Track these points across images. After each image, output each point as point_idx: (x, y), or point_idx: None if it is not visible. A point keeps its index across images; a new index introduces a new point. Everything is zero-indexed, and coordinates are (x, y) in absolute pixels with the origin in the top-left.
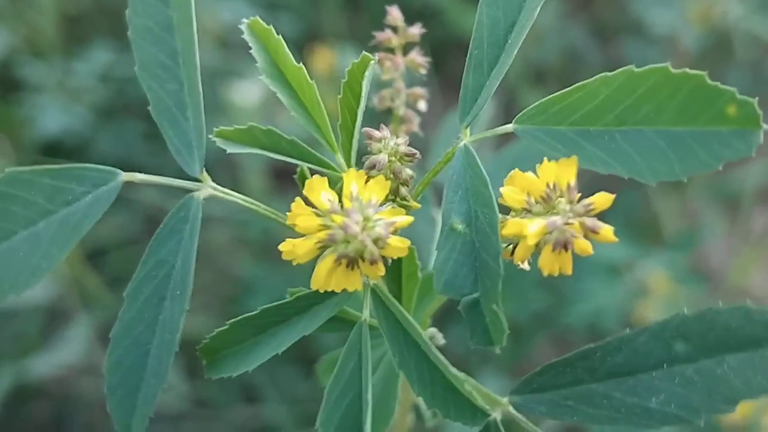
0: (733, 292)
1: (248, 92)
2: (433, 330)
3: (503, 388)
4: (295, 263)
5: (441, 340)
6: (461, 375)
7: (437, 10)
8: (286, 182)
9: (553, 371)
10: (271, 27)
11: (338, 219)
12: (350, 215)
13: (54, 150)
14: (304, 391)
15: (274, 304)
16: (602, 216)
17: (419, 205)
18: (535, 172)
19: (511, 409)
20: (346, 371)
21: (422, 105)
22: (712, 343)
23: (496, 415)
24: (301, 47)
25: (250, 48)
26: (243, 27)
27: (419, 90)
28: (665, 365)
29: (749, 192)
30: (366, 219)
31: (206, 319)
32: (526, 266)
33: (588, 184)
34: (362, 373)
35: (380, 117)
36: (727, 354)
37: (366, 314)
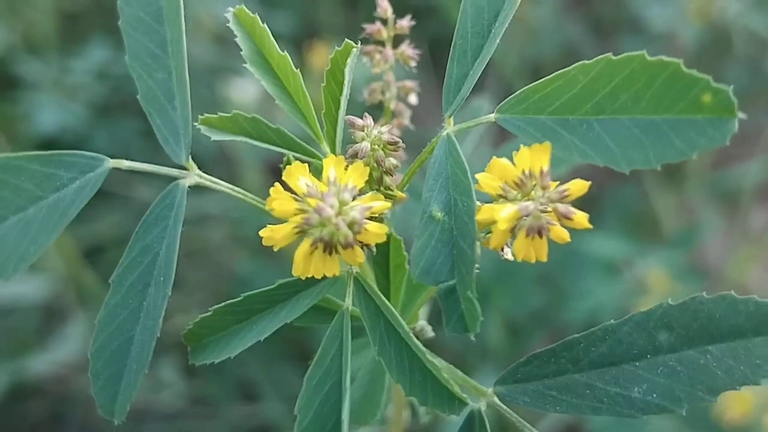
0: (731, 289)
1: (245, 89)
2: (422, 323)
3: None
4: (276, 249)
5: (430, 332)
6: (443, 364)
7: (434, 7)
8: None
9: (538, 361)
10: (257, 15)
11: (313, 202)
12: (325, 199)
13: (50, 147)
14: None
15: (257, 291)
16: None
17: (404, 195)
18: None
19: (495, 399)
20: (326, 358)
21: (413, 98)
22: (695, 333)
23: (481, 405)
24: (298, 44)
25: (235, 37)
26: (229, 15)
27: (410, 83)
28: (648, 355)
29: (748, 189)
30: (342, 203)
31: None
32: (509, 255)
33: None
34: (342, 360)
35: (372, 112)
36: (711, 344)
37: (348, 302)
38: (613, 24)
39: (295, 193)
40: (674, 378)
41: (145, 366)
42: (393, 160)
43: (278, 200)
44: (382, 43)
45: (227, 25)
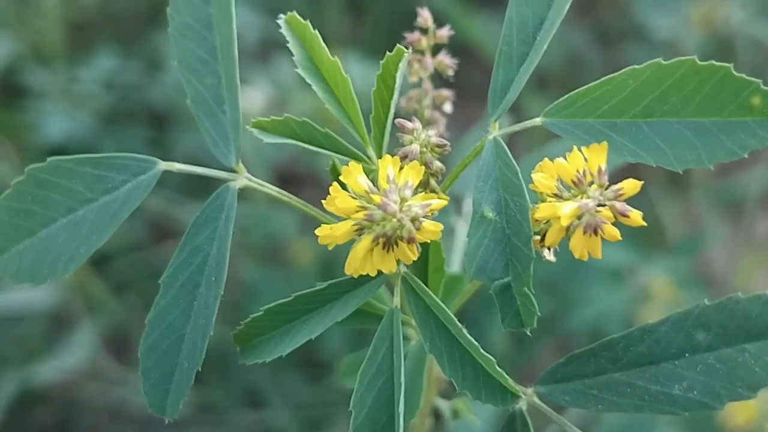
0: None
1: (252, 98)
2: None
3: None
4: (331, 247)
5: None
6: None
7: (441, 16)
8: (290, 187)
9: (577, 362)
10: (308, 22)
11: (377, 199)
12: (388, 195)
13: (58, 155)
14: (308, 396)
15: (307, 291)
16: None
17: (448, 198)
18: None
19: (535, 398)
20: (378, 355)
21: (448, 107)
22: (732, 332)
23: (521, 404)
24: None
25: (287, 42)
26: (280, 22)
27: (446, 92)
28: (687, 354)
29: (752, 197)
30: (403, 199)
31: None
32: (551, 257)
33: None
34: (394, 357)
35: (406, 119)
36: (748, 342)
37: (396, 301)
38: (617, 32)
39: (353, 192)
40: (713, 376)
41: (197, 364)
42: (439, 163)
43: (340, 198)
44: (420, 52)
45: (279, 30)
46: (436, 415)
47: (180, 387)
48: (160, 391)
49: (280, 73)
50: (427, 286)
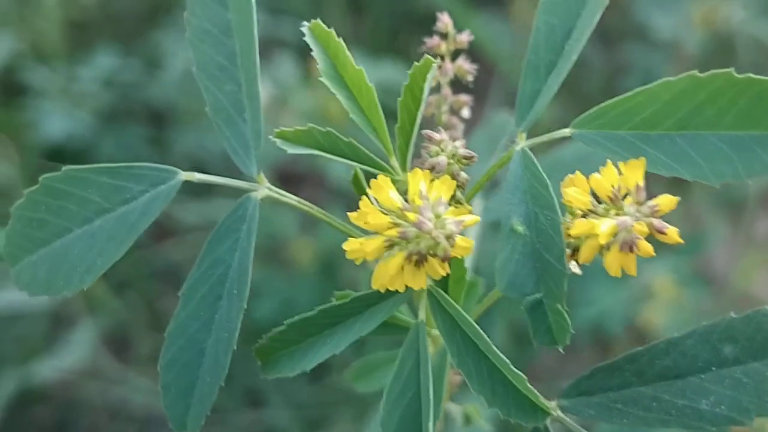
0: (736, 297)
1: None
2: None
3: None
4: (358, 262)
5: None
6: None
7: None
8: (291, 186)
9: (601, 374)
10: (332, 30)
11: (412, 216)
12: (423, 213)
13: (58, 154)
14: (308, 395)
15: (331, 305)
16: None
17: (471, 208)
18: (585, 174)
19: (559, 412)
20: (404, 371)
21: (466, 112)
22: (760, 346)
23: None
24: (304, 51)
25: (311, 51)
26: (304, 30)
27: (464, 97)
28: (714, 368)
29: (752, 197)
30: (437, 216)
31: None
32: (578, 270)
33: None
34: (420, 372)
35: (423, 123)
36: None
37: (422, 315)
38: (618, 32)
39: (383, 207)
40: (741, 390)
41: (220, 379)
42: (465, 174)
43: (372, 214)
44: (441, 57)
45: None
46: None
47: (202, 402)
48: (181, 406)
49: (281, 72)
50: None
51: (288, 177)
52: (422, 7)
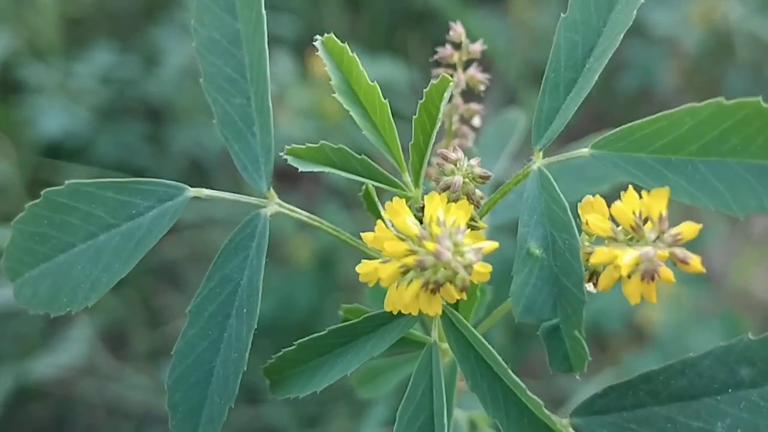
0: (734, 294)
1: None
2: None
3: None
4: (371, 284)
5: None
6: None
7: (438, 13)
8: (288, 182)
9: (615, 393)
10: (346, 45)
11: (430, 246)
12: (441, 242)
13: (55, 151)
14: None
15: (342, 325)
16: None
17: (486, 226)
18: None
19: (571, 430)
20: (417, 393)
21: (477, 120)
22: None
23: None
24: (301, 49)
25: (325, 66)
26: (317, 44)
27: (476, 106)
28: (730, 390)
29: None
30: (455, 245)
31: None
32: (593, 290)
33: None
34: (434, 394)
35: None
36: None
37: (435, 335)
38: None
39: (399, 231)
40: (758, 414)
41: (230, 400)
42: (480, 192)
43: (389, 241)
44: (451, 66)
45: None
46: None
47: (211, 423)
48: (189, 426)
49: (278, 69)
50: (457, 310)
51: (285, 173)
52: (420, 3)
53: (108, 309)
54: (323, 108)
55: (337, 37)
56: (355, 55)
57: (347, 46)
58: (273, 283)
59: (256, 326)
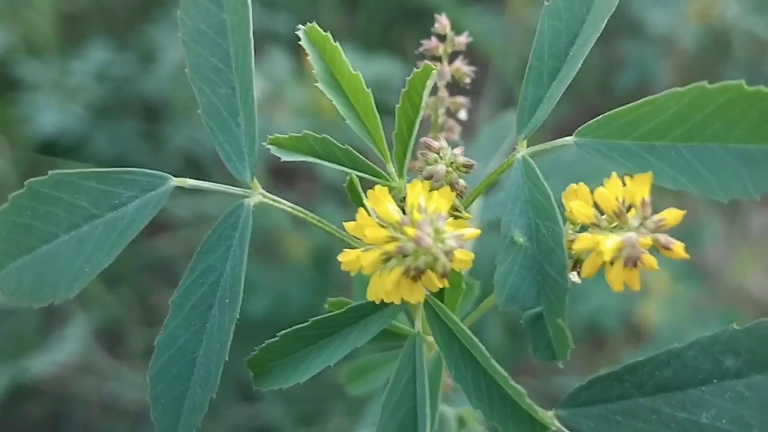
0: (731, 292)
1: None
2: None
3: None
4: (354, 273)
5: None
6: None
7: (435, 10)
8: (283, 180)
9: (600, 385)
10: (329, 34)
11: (411, 231)
12: (422, 228)
13: (51, 148)
14: (301, 390)
15: (325, 316)
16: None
17: (471, 216)
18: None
19: (556, 422)
20: (400, 384)
21: (463, 114)
22: (762, 359)
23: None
24: (297, 46)
25: (307, 55)
26: (300, 33)
27: (462, 99)
28: (715, 380)
29: None
30: (436, 231)
31: None
32: (578, 279)
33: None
34: (417, 385)
35: (420, 125)
36: None
37: (418, 326)
38: (613, 27)
39: (381, 218)
40: (743, 404)
41: (211, 390)
42: (463, 182)
43: (369, 228)
44: (437, 59)
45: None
46: None
47: (192, 414)
48: (171, 418)
49: (274, 66)
50: (443, 302)
51: (281, 171)
52: (416, 1)
53: (104, 307)
54: (319, 105)
55: (333, 34)
56: (338, 45)
57: (329, 35)
58: (268, 281)
59: (238, 316)
